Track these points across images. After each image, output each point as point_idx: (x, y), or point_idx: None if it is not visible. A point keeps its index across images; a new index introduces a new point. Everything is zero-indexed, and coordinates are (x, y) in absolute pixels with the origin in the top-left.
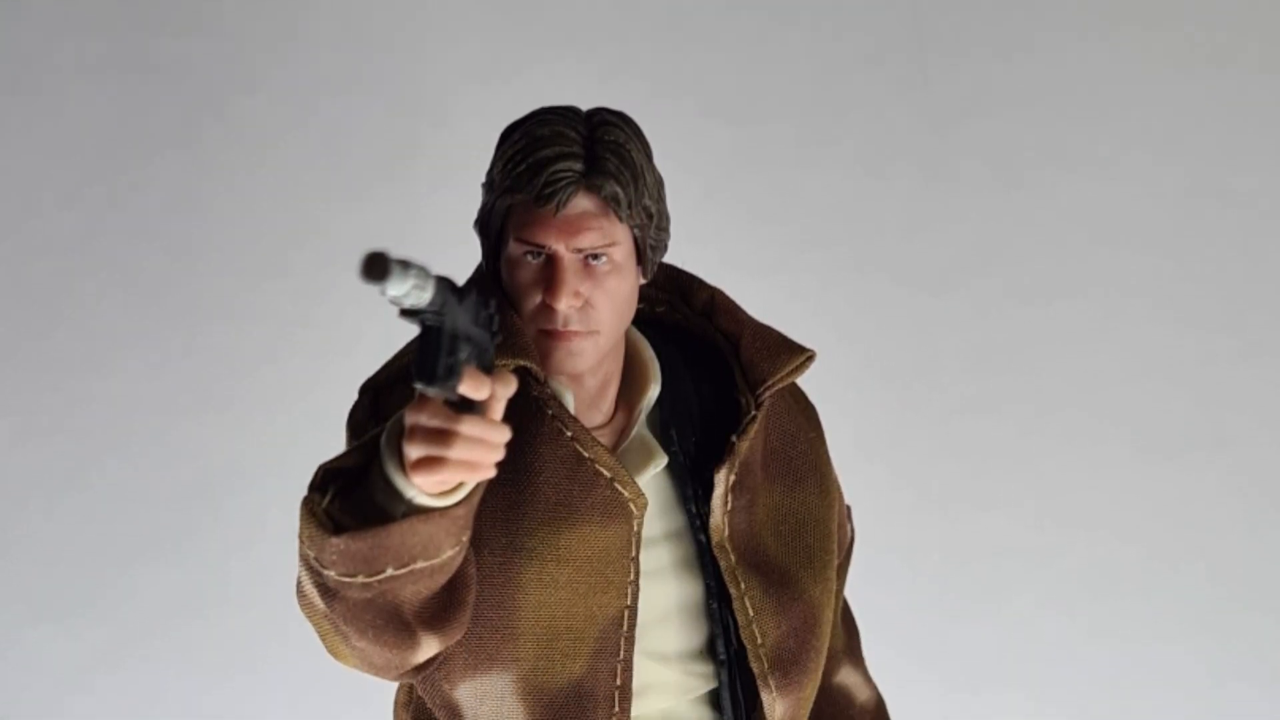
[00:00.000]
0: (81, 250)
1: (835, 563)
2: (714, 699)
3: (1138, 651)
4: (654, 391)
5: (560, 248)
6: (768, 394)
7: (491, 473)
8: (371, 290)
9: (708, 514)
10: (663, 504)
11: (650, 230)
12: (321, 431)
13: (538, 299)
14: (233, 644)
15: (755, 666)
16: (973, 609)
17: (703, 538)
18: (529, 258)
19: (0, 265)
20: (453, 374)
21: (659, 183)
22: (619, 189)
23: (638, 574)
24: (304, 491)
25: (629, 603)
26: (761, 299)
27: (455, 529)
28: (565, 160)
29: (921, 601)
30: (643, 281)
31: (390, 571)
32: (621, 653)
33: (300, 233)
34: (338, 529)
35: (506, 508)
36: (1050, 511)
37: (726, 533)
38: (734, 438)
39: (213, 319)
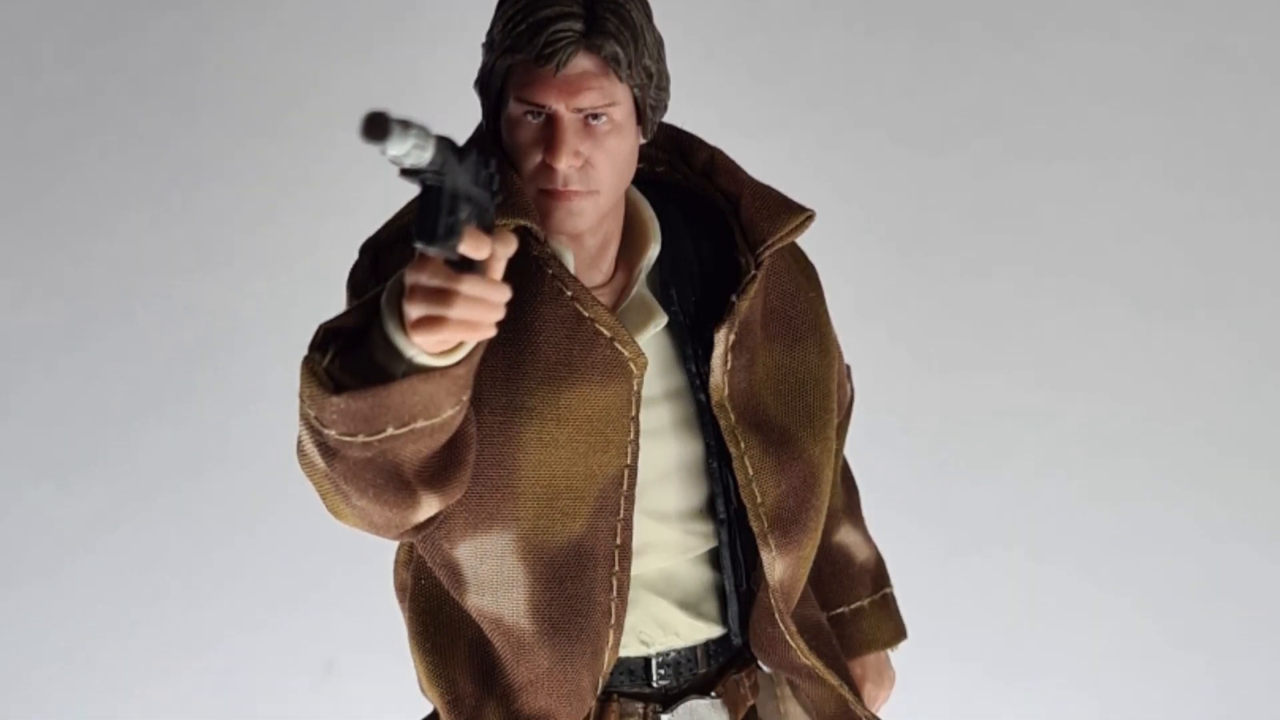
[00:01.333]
0: (82, 109)
1: (835, 422)
2: (714, 558)
3: (1137, 511)
4: (654, 251)
5: (560, 107)
6: (767, 254)
7: (492, 332)
8: (372, 150)
9: (707, 373)
10: (662, 363)
11: (650, 90)
12: (321, 291)
13: (538, 159)
14: (233, 503)
15: (755, 525)
16: (972, 470)
17: (702, 397)
18: (529, 118)
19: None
20: (453, 233)
21: (659, 42)
22: (619, 49)
23: (638, 433)
24: (304, 351)
25: (629, 462)
26: (761, 159)
27: (455, 388)
28: (565, 20)
29: (921, 462)
30: (642, 141)
31: (390, 431)
32: (621, 512)
33: (301, 92)
34: (338, 388)
35: (506, 367)
36: (1049, 372)
37: (726, 392)
38: (734, 297)
39: (213, 178)
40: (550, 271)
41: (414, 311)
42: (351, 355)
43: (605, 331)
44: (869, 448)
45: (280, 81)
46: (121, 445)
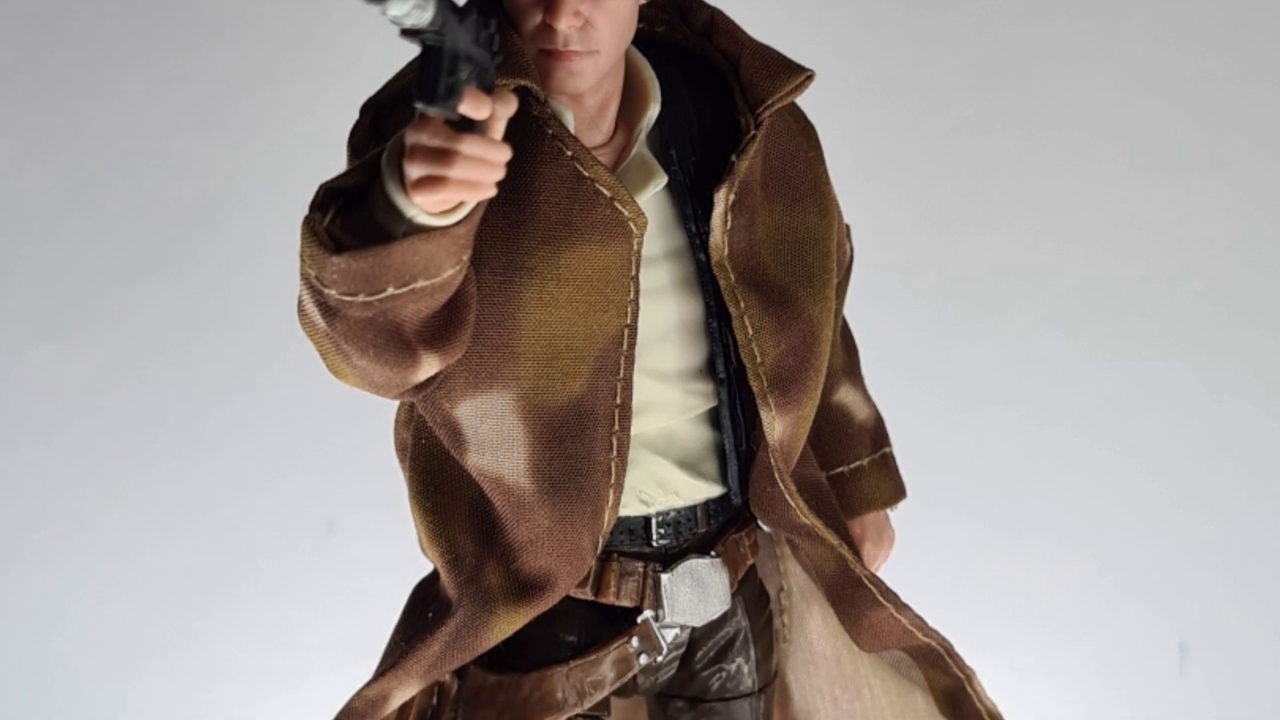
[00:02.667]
0: None
1: (834, 282)
2: (713, 418)
3: (1136, 369)
4: (654, 111)
5: None
6: (767, 114)
7: (492, 192)
8: (372, 10)
9: (707, 233)
10: (662, 223)
11: None
12: (322, 151)
13: (538, 19)
14: (233, 363)
15: (754, 385)
16: (971, 328)
17: (702, 257)
18: None
19: None
20: (453, 93)
21: None
22: None
23: (637, 293)
24: (305, 211)
25: (629, 321)
26: (760, 19)
27: (456, 248)
28: None
29: (920, 321)
30: (642, 2)
31: (391, 290)
32: (621, 371)
33: None
34: (339, 248)
35: (506, 227)
36: (1049, 230)
37: (726, 252)
38: (734, 157)
39: (214, 39)
40: (550, 131)
41: (414, 171)
42: (352, 215)
43: (605, 191)
44: (868, 307)
45: None
46: (122, 306)
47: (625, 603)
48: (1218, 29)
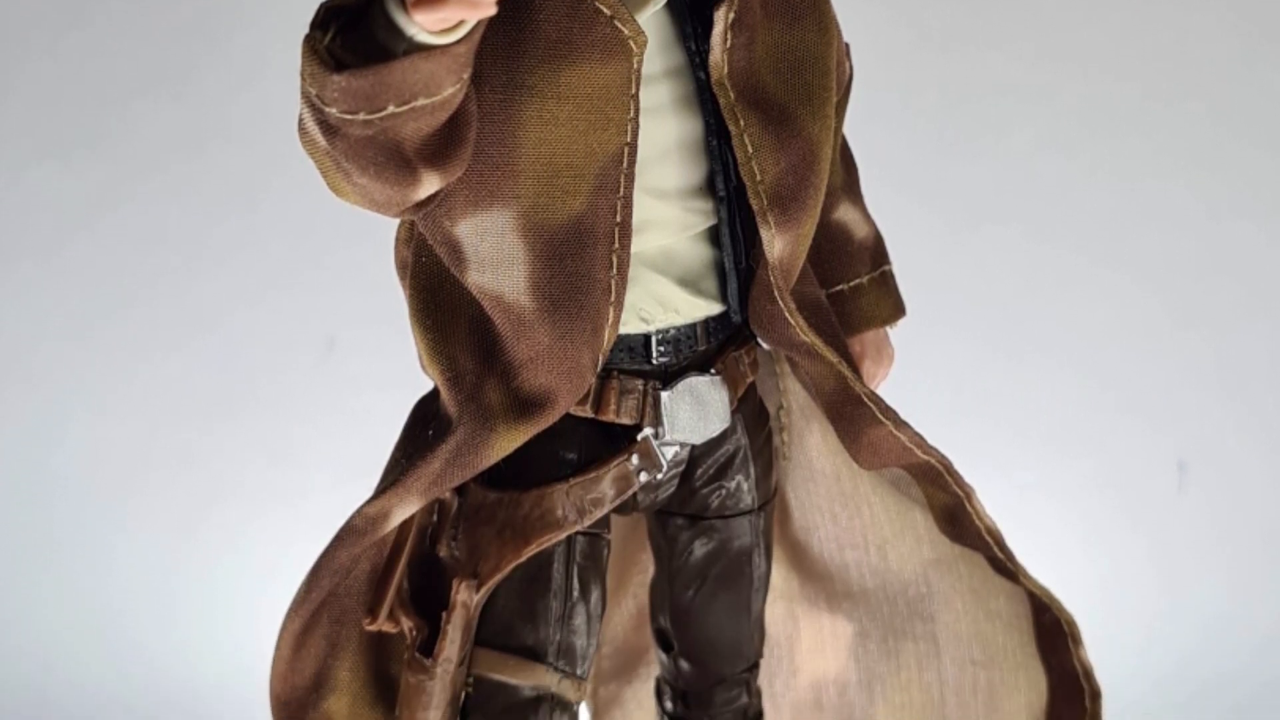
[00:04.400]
0: None
1: (834, 100)
2: (713, 236)
3: (1135, 188)
4: None
5: None
6: None
7: (492, 10)
8: None
9: (706, 51)
10: (662, 41)
11: None
12: None
13: None
14: (234, 180)
15: (754, 203)
16: (971, 146)
17: (702, 75)
18: None
19: None
20: None
21: None
22: None
23: (637, 111)
24: (306, 29)
25: (629, 139)
26: None
27: (456, 66)
28: None
29: (919, 140)
30: None
31: (391, 109)
32: (621, 189)
33: None
34: (339, 66)
35: (507, 46)
36: (1048, 49)
37: (725, 70)
38: None
39: None
40: None
41: None
42: (353, 34)
43: (605, 9)
44: (868, 125)
45: None
46: (123, 123)
47: (625, 420)
48: None
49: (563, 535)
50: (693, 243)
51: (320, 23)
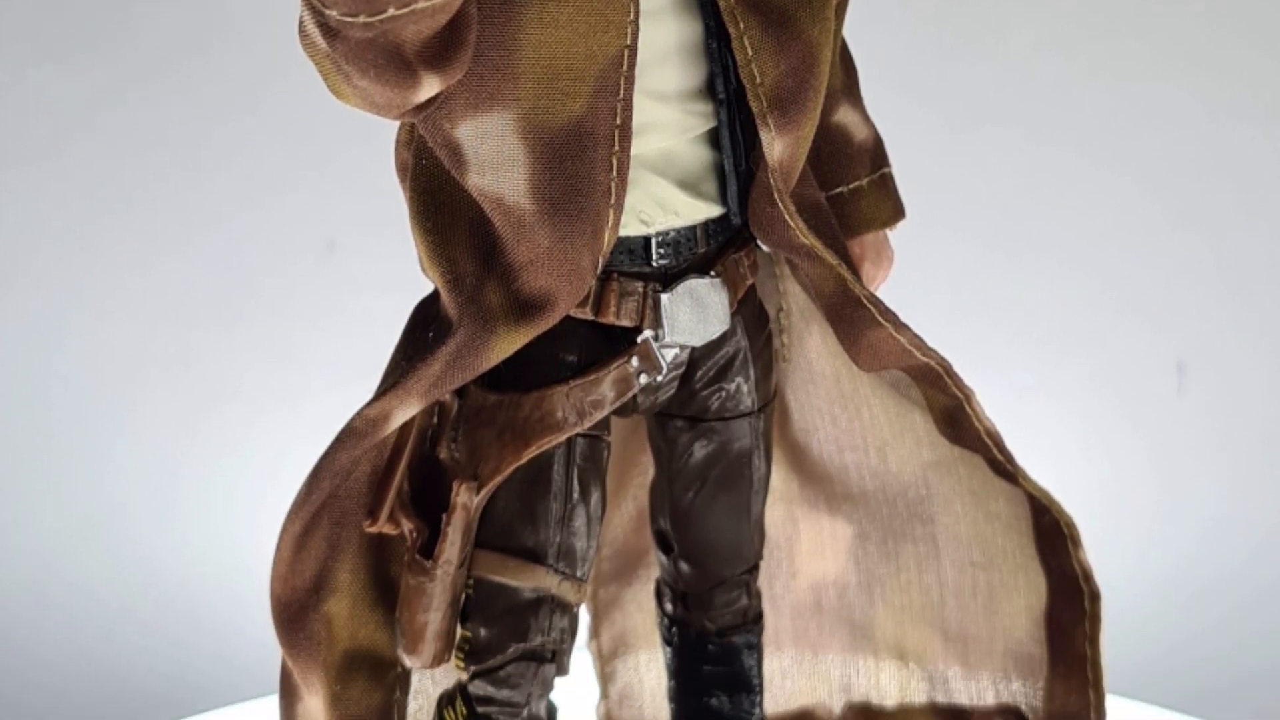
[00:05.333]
0: None
1: (833, 2)
2: (713, 138)
3: (1135, 90)
4: None
5: None
6: None
7: None
8: None
9: None
10: None
11: None
12: None
13: None
14: (235, 82)
15: (754, 105)
16: (970, 48)
17: None
18: None
19: None
20: None
21: None
22: None
23: (637, 13)
24: None
25: (629, 42)
26: None
27: None
28: None
29: (919, 41)
30: None
31: (391, 12)
32: (621, 92)
33: None
34: None
35: None
36: None
37: None
38: None
39: None
40: None
41: None
42: None
43: None
44: (867, 27)
45: None
46: (123, 25)
47: (625, 322)
48: None
49: (563, 437)
50: (693, 145)
51: None
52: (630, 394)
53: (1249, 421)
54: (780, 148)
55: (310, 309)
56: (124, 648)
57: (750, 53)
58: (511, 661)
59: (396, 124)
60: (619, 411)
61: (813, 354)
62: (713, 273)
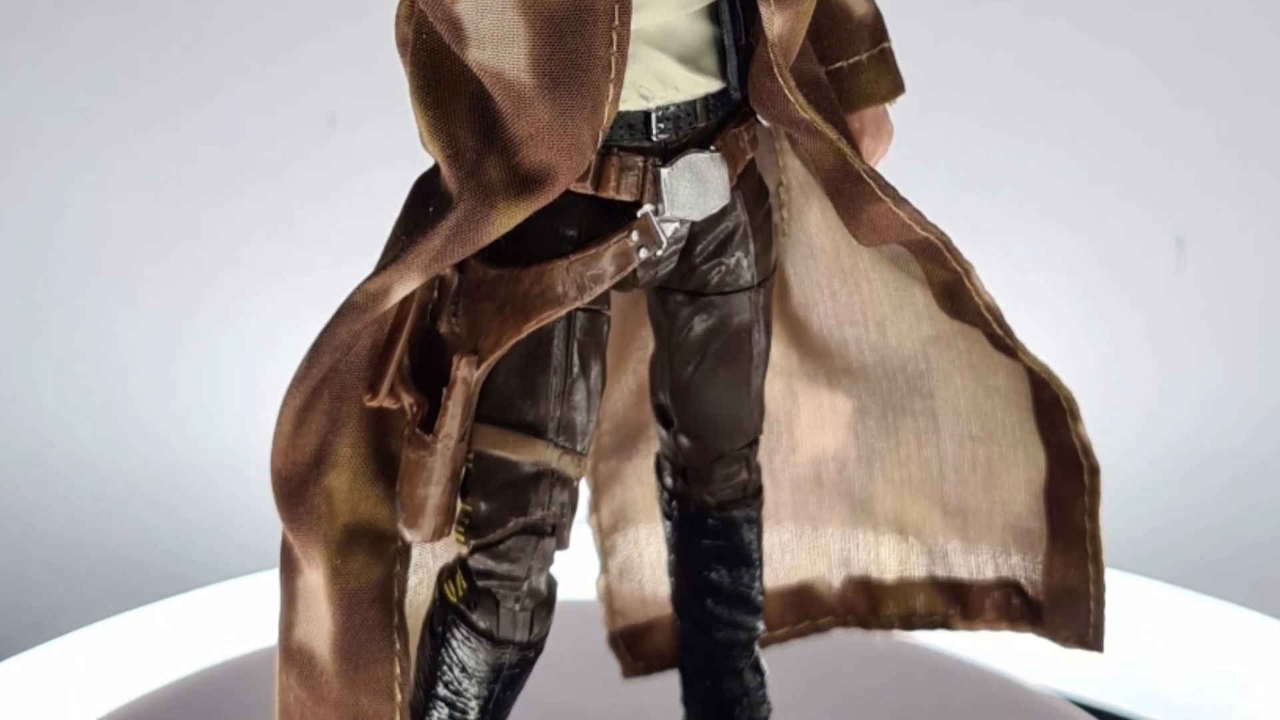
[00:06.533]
0: None
1: None
2: (713, 13)
3: None
4: None
5: None
6: None
7: None
8: None
9: None
10: None
11: None
12: None
13: None
14: None
15: None
16: None
17: None
18: None
19: None
20: None
21: None
22: None
23: None
24: None
25: None
26: None
27: None
28: None
29: None
30: None
31: None
32: None
33: None
34: None
35: None
36: None
37: None
38: None
39: None
40: None
41: None
42: None
43: None
44: None
45: None
46: None
47: (625, 197)
48: None
49: (563, 311)
50: (693, 19)
51: None
52: (630, 268)
53: (1247, 296)
54: (780, 22)
55: (311, 183)
56: (124, 522)
57: None
58: (511, 535)
59: None
60: (619, 286)
61: (812, 229)
62: (712, 147)
